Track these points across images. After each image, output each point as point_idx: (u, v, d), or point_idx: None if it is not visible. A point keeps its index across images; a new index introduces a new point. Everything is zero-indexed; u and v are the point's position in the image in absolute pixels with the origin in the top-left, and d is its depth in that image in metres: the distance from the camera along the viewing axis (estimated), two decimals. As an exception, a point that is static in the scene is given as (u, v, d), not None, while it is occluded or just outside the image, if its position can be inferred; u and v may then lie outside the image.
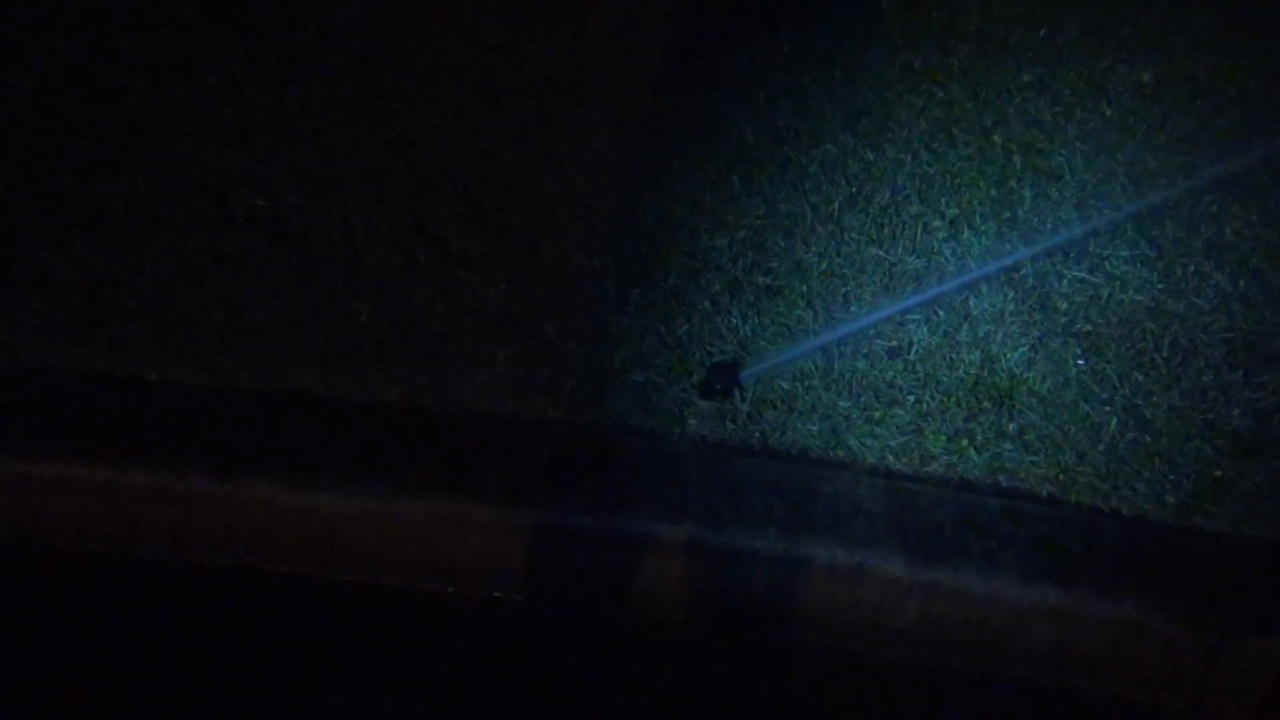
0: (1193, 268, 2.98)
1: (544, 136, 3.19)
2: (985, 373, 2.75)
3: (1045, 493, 2.58)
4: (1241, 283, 2.95)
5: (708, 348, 2.72)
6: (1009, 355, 2.78)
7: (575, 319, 2.76)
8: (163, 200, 2.97)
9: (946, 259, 2.98)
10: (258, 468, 2.48)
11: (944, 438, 2.63)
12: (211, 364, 2.64)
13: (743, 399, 2.63)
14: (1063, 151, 3.23)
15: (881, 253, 2.98)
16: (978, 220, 3.06)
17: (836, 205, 3.07)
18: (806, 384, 2.69)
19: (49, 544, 2.51)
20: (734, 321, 2.79)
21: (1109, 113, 3.35)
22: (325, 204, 2.98)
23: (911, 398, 2.69)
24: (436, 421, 2.56)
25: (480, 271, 2.87)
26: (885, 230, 3.03)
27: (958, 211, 3.08)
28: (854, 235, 3.01)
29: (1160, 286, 2.94)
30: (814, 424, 2.63)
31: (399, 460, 2.49)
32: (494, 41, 3.43)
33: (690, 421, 2.60)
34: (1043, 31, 3.46)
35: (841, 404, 2.67)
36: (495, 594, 2.48)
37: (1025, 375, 2.74)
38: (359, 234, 2.92)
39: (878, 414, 2.66)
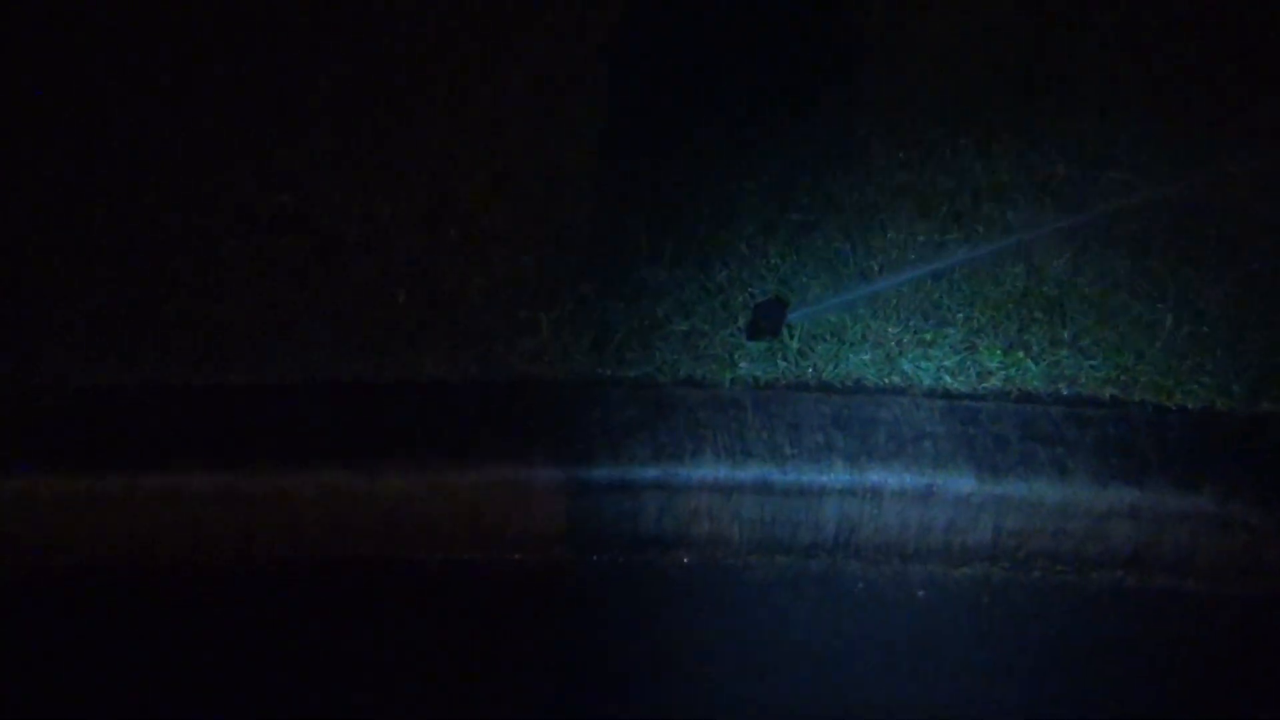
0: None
1: (550, 101, 3.17)
2: (1033, 283, 2.71)
3: (1108, 395, 2.54)
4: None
5: (750, 290, 2.70)
6: (1054, 263, 2.74)
7: (612, 278, 2.74)
8: (189, 212, 2.97)
9: (978, 175, 2.94)
10: (318, 458, 2.48)
11: (999, 351, 2.60)
12: (258, 364, 2.64)
13: (791, 336, 2.60)
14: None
15: (912, 177, 2.95)
16: (1002, 133, 3.02)
17: (862, 135, 3.04)
18: (854, 314, 2.66)
19: (115, 560, 2.52)
20: (773, 262, 2.77)
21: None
22: (347, 195, 2.97)
23: (961, 315, 2.66)
24: (488, 392, 2.55)
25: (511, 243, 2.86)
26: (914, 154, 3.00)
27: (981, 129, 3.04)
28: (881, 164, 2.98)
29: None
30: (866, 353, 2.60)
31: (456, 434, 2.48)
32: (489, 24, 3.41)
33: (741, 365, 2.58)
34: None
35: (891, 330, 2.64)
36: (565, 557, 2.48)
37: (1074, 280, 2.70)
38: (385, 220, 2.90)
39: (929, 336, 2.63)
